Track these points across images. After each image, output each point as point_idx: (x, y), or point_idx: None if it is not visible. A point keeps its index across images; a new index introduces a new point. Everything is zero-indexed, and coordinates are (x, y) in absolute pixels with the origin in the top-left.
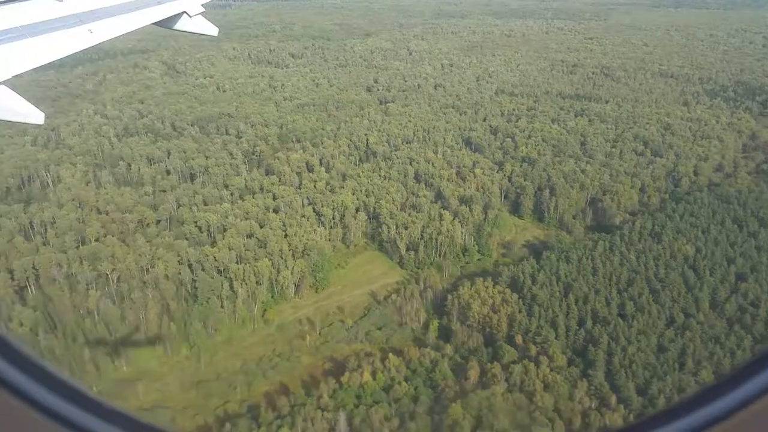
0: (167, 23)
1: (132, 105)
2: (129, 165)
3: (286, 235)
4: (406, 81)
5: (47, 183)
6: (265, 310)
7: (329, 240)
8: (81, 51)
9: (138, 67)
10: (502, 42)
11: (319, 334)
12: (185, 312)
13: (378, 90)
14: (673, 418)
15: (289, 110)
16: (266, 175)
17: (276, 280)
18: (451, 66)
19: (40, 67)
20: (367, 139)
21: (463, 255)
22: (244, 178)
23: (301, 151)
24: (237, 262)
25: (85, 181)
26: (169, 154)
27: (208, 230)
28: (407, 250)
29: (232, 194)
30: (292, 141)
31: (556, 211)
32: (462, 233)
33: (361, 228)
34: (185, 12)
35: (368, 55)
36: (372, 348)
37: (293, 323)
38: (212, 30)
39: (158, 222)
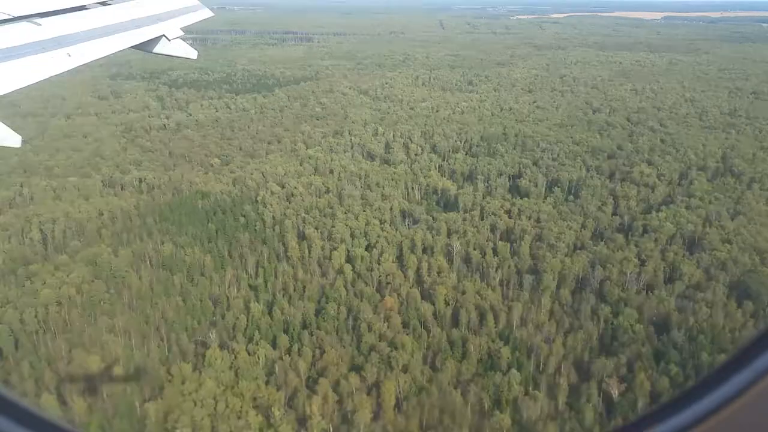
0: (146, 46)
1: (395, 126)
2: (488, 178)
3: None
4: (626, 103)
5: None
6: None
7: None
8: (59, 74)
9: (334, 91)
10: (641, 71)
11: None
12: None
13: (606, 112)
14: (647, 424)
15: (554, 129)
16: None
17: None
18: (635, 91)
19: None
20: (688, 156)
21: None
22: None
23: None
24: None
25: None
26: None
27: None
28: None
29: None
30: (609, 157)
31: None
32: None
33: None
34: (164, 35)
35: (535, 81)
36: None
37: None
38: (191, 53)
39: (594, 232)
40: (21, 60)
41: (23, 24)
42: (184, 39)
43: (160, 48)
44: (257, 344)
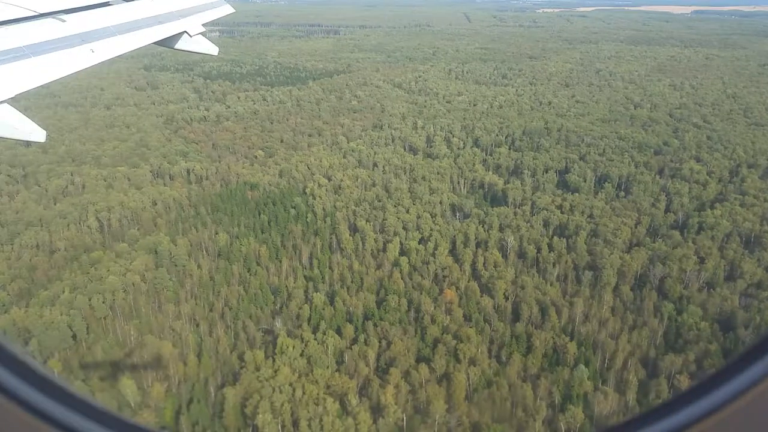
0: (167, 42)
1: (434, 120)
2: (534, 173)
3: None
4: (666, 99)
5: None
6: None
7: None
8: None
9: (368, 84)
10: (678, 66)
11: None
12: None
13: (647, 108)
14: (657, 418)
15: (597, 124)
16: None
17: None
18: (674, 87)
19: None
20: (737, 153)
21: None
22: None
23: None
24: None
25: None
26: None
27: None
28: None
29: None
30: (655, 153)
31: None
32: None
33: None
34: (185, 32)
35: (571, 75)
36: None
37: None
38: (212, 49)
39: (649, 229)
40: (46, 56)
41: (48, 20)
42: (205, 35)
43: (181, 44)
44: (324, 333)
